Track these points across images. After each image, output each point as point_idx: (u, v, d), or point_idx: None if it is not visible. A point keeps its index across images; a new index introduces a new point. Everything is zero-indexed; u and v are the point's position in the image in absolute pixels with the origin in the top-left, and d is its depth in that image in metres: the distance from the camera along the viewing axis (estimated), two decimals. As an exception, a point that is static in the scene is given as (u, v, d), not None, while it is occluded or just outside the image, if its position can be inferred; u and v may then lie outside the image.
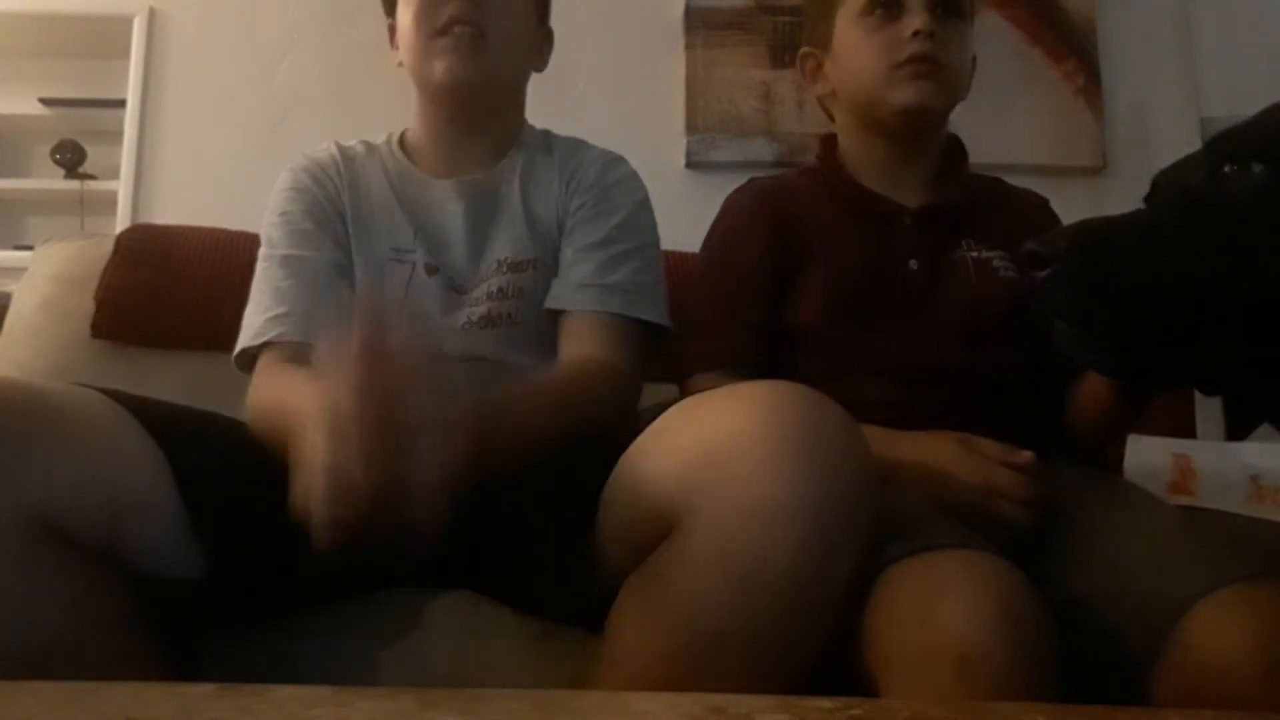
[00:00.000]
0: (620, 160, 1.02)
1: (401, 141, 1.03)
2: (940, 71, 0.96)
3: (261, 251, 0.95)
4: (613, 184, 0.98)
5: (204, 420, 0.81)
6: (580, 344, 0.90)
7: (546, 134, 1.05)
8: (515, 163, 1.00)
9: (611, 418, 0.83)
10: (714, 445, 0.60)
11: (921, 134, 1.01)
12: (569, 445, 0.77)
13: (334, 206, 0.96)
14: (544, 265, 0.95)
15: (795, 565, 0.56)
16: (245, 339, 0.90)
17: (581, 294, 0.92)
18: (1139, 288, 0.54)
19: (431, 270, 0.93)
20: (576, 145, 1.03)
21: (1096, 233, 0.58)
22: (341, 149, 1.00)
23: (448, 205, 0.96)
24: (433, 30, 0.92)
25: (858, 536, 0.59)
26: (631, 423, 0.79)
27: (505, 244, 0.95)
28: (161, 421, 0.73)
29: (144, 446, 0.70)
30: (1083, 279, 0.57)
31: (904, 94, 0.95)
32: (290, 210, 0.95)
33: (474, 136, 1.00)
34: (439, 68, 0.92)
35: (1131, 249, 0.55)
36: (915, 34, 0.94)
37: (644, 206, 1.00)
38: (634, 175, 1.01)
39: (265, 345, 0.88)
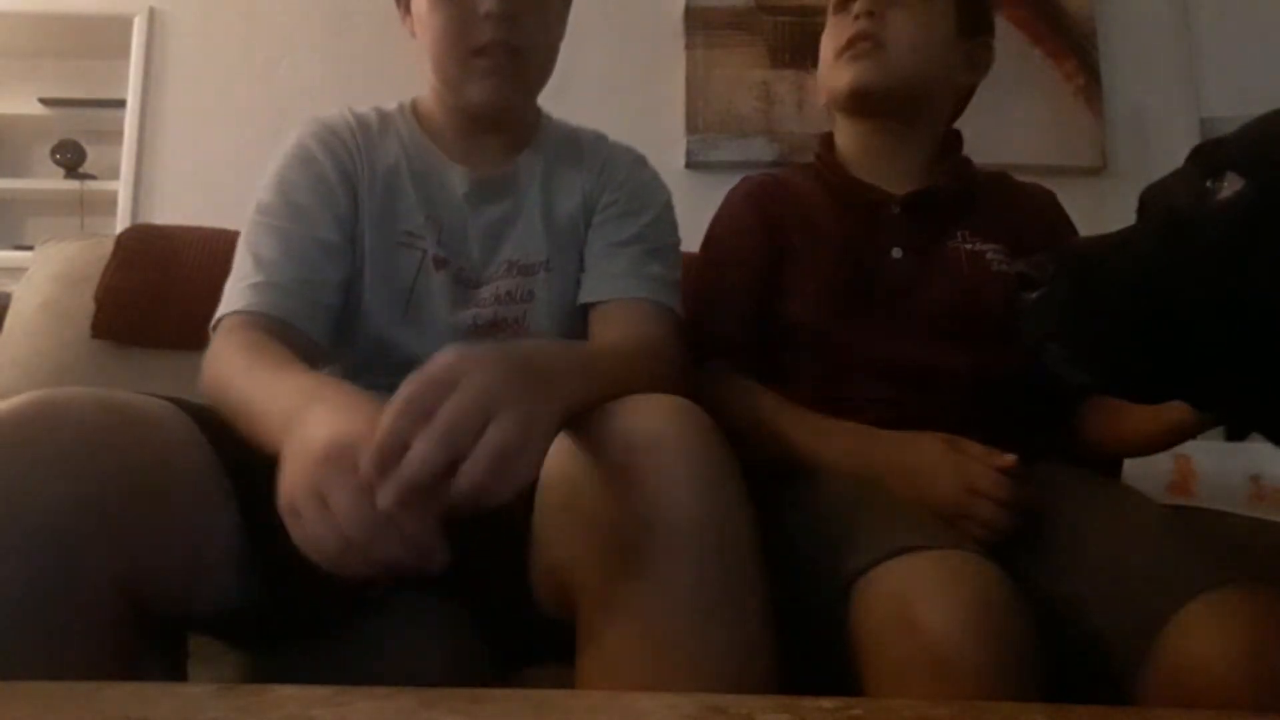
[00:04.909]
0: (645, 159, 1.03)
1: (415, 111, 0.98)
2: (880, 51, 0.95)
3: (251, 214, 0.88)
4: (644, 183, 0.99)
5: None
6: (626, 327, 0.87)
7: (565, 126, 1.03)
8: (536, 159, 0.97)
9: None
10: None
11: (878, 115, 0.99)
12: None
13: (344, 180, 0.90)
14: (556, 267, 0.93)
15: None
16: (221, 309, 0.83)
17: (621, 283, 0.91)
18: (1127, 308, 0.54)
19: (440, 263, 0.90)
20: (599, 139, 1.02)
21: (1084, 254, 0.58)
22: (357, 117, 0.95)
23: (461, 198, 0.93)
24: (469, 49, 0.88)
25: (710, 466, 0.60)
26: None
27: (516, 244, 0.93)
28: (228, 446, 0.66)
29: (221, 483, 0.64)
30: (1071, 300, 0.57)
31: (843, 77, 0.97)
32: (291, 179, 0.89)
33: (494, 134, 0.96)
34: (475, 90, 0.89)
35: (1119, 269, 0.55)
36: (856, 17, 0.95)
37: (670, 207, 1.00)
38: (659, 176, 1.02)
39: (236, 314, 0.81)
